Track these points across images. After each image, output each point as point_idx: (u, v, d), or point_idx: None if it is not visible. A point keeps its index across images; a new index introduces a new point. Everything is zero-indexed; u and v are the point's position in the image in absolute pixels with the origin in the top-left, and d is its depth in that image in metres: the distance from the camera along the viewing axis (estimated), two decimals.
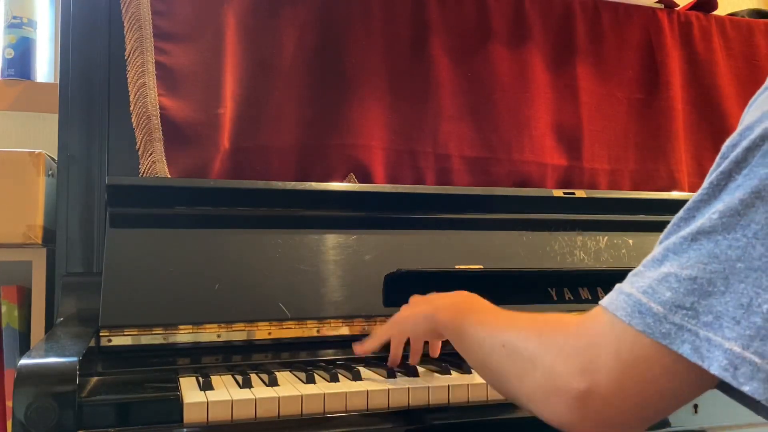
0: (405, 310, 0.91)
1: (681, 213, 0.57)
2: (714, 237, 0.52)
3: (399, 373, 0.90)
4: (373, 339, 0.93)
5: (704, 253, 0.52)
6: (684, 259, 0.53)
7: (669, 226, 0.58)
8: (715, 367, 0.50)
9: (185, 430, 0.74)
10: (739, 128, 0.55)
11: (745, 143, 0.52)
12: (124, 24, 1.14)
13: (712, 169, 0.56)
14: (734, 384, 0.49)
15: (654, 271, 0.55)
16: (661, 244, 0.57)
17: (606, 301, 0.58)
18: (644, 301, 0.54)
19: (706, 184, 0.55)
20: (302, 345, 1.02)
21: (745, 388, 0.49)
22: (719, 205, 0.53)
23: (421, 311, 0.86)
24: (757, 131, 0.52)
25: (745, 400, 0.53)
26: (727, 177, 0.53)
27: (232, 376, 0.88)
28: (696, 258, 0.53)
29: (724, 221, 0.52)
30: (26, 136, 1.49)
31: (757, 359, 0.49)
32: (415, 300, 0.91)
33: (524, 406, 0.63)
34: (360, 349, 0.94)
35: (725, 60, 1.51)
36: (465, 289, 0.87)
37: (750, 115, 0.55)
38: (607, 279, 1.19)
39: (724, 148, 0.55)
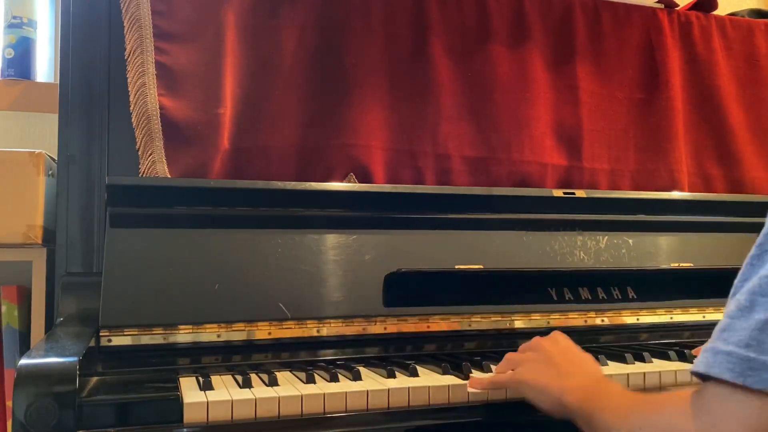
0: (530, 371, 0.84)
1: (753, 250, 0.54)
2: None
3: (399, 373, 0.90)
4: (491, 384, 0.87)
5: None
6: None
7: (744, 265, 0.54)
8: None
9: (185, 430, 0.74)
10: None
11: None
12: (124, 24, 1.14)
13: None
14: None
15: (746, 320, 0.51)
16: (740, 287, 0.54)
17: (702, 365, 0.54)
18: (753, 356, 0.50)
19: None
20: (302, 345, 1.02)
21: None
22: None
23: (548, 388, 0.80)
24: None
25: None
26: None
27: (232, 376, 0.88)
28: None
29: None
30: (26, 136, 1.48)
31: None
32: (540, 356, 0.85)
33: None
34: (477, 385, 0.87)
35: (725, 60, 1.51)
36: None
37: None
38: (607, 279, 1.20)
39: None
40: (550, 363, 0.84)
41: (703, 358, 0.54)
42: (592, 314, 1.17)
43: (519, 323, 1.13)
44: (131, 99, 1.12)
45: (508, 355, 0.90)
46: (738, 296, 0.53)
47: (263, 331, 1.00)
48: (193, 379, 0.86)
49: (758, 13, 1.66)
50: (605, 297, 1.19)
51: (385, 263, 1.09)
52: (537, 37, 1.37)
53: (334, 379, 0.86)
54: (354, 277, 1.07)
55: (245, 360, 0.99)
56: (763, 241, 0.53)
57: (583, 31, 1.41)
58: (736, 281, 0.55)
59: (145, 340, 0.96)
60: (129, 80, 1.13)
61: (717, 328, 0.54)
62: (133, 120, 1.12)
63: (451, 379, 0.87)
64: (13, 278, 1.19)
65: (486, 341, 1.11)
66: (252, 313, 1.00)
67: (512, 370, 0.86)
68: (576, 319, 1.16)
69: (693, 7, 1.54)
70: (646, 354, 1.00)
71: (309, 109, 1.22)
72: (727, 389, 0.51)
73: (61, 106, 1.11)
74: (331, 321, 1.04)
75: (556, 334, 0.90)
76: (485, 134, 1.31)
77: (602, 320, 1.18)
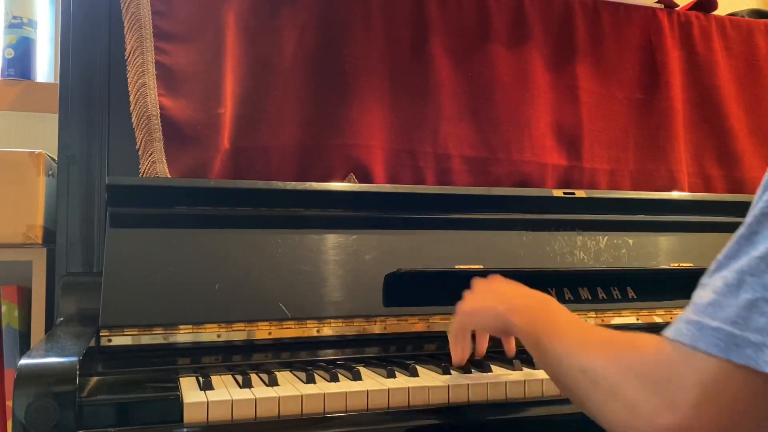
0: (471, 301, 0.86)
1: (742, 230, 0.54)
2: None
3: (399, 373, 0.90)
4: (453, 346, 0.88)
5: None
6: None
7: (731, 244, 0.55)
8: None
9: (185, 430, 0.74)
10: None
11: None
12: (124, 24, 1.14)
13: (767, 177, 0.53)
14: None
15: (734, 298, 0.53)
16: (726, 265, 0.55)
17: (687, 338, 0.54)
18: (738, 333, 0.51)
19: (766, 195, 0.53)
20: (302, 345, 1.02)
21: None
22: None
23: (491, 307, 0.81)
24: None
25: None
26: None
27: (232, 376, 0.88)
28: None
29: None
30: (26, 136, 1.49)
31: None
32: (481, 288, 0.86)
33: (605, 427, 0.61)
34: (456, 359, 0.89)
35: (725, 60, 1.51)
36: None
37: None
38: (607, 279, 1.20)
39: None
40: (493, 291, 0.84)
41: (687, 329, 0.55)
42: (592, 314, 1.17)
43: None
44: (131, 99, 1.12)
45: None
46: (726, 273, 0.54)
47: (263, 331, 1.00)
48: (193, 379, 0.86)
49: (758, 14, 1.66)
50: (605, 297, 1.19)
51: (385, 263, 1.09)
52: (537, 37, 1.37)
53: (334, 379, 0.86)
54: (354, 277, 1.07)
55: (245, 360, 0.99)
56: (751, 221, 0.54)
57: (583, 31, 1.41)
58: (719, 256, 0.56)
59: (145, 340, 0.96)
60: (129, 80, 1.13)
61: (701, 301, 0.55)
62: (133, 120, 1.12)
63: (451, 379, 0.87)
64: (13, 278, 1.19)
65: None
66: (252, 313, 1.00)
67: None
68: None
69: (693, 7, 1.54)
70: None
71: (309, 108, 1.22)
72: (705, 359, 0.53)
73: (61, 106, 1.11)
74: (332, 321, 1.04)
75: (495, 275, 0.90)
76: (485, 134, 1.31)
77: (602, 320, 1.18)
